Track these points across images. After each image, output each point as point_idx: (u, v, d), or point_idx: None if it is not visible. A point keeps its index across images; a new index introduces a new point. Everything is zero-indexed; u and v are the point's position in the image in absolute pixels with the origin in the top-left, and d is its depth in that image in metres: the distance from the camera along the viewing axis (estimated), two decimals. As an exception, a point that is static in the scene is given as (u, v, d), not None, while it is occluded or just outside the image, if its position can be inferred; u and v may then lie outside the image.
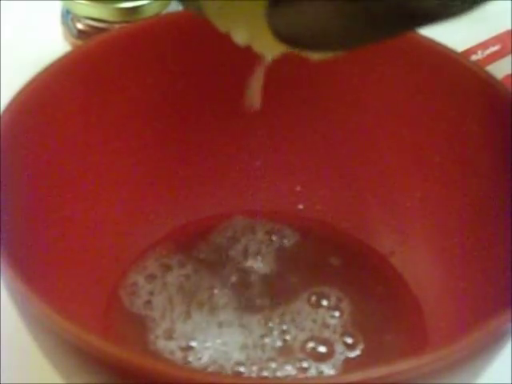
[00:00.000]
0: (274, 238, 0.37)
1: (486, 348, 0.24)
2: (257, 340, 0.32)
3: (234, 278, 0.35)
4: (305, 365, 0.31)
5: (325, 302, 0.34)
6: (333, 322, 0.33)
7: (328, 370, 0.31)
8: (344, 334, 0.33)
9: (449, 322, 0.32)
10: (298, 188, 0.38)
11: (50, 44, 0.41)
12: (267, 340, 0.32)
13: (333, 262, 0.36)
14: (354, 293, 0.34)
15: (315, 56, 0.24)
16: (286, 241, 0.37)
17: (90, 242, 0.33)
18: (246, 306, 0.33)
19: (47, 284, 0.27)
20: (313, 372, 0.31)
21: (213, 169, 0.38)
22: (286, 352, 0.32)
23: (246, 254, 0.36)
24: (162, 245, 0.36)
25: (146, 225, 0.36)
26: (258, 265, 0.36)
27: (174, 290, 0.34)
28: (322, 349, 0.32)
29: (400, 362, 0.22)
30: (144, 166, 0.36)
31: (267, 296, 0.34)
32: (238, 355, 0.31)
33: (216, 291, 0.34)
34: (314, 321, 0.33)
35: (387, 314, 0.34)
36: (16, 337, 0.32)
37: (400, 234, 0.36)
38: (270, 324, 0.33)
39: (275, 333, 0.32)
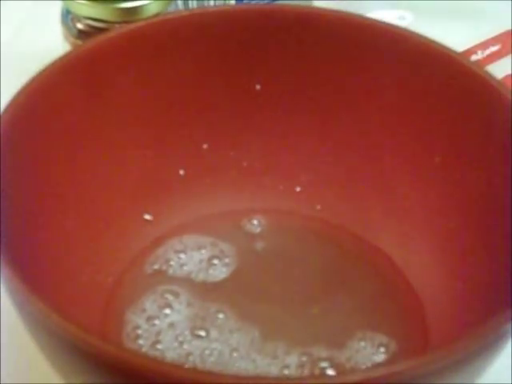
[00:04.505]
0: (273, 238, 0.37)
1: (486, 348, 0.24)
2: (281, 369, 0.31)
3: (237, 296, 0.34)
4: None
5: (325, 301, 0.34)
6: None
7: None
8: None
9: (449, 322, 0.32)
10: (298, 189, 0.38)
11: (50, 44, 0.41)
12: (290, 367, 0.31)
13: (334, 261, 0.36)
14: (354, 292, 0.34)
15: None
16: (286, 241, 0.37)
17: (89, 242, 0.33)
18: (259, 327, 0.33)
19: (47, 284, 0.27)
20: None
21: (212, 170, 0.38)
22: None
23: (244, 257, 0.36)
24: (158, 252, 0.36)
25: (145, 224, 0.36)
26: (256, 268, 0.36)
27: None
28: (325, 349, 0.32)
29: (400, 362, 0.22)
30: (144, 165, 0.36)
31: (272, 306, 0.34)
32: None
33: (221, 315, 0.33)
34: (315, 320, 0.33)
35: (388, 313, 0.34)
36: (16, 337, 0.32)
37: (400, 234, 0.36)
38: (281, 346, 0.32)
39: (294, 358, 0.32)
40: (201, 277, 0.35)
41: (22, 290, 0.24)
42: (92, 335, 0.22)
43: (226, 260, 0.35)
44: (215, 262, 0.35)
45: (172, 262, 0.35)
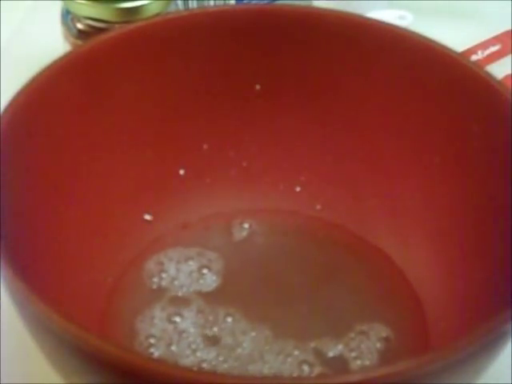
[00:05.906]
0: (274, 238, 0.37)
1: (486, 348, 0.24)
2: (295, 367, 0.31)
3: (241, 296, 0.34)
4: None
5: (325, 300, 0.34)
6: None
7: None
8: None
9: (449, 322, 0.32)
10: (298, 189, 0.38)
11: (50, 44, 0.41)
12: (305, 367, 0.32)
13: (334, 261, 0.36)
14: (354, 291, 0.34)
15: None
16: (286, 241, 0.37)
17: (89, 242, 0.33)
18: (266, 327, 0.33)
19: (47, 284, 0.27)
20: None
21: (212, 170, 0.38)
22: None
23: (241, 258, 0.36)
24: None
25: (145, 224, 0.36)
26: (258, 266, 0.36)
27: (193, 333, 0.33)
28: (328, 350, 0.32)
29: (400, 362, 0.22)
30: (144, 165, 0.36)
31: (277, 305, 0.34)
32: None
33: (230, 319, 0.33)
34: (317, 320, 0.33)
35: (388, 312, 0.34)
36: (16, 337, 0.32)
37: (400, 234, 0.36)
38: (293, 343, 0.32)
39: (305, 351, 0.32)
40: (194, 285, 0.35)
41: (22, 289, 0.24)
42: (92, 335, 0.22)
43: (219, 265, 0.35)
44: (204, 271, 0.35)
45: (164, 275, 0.35)
